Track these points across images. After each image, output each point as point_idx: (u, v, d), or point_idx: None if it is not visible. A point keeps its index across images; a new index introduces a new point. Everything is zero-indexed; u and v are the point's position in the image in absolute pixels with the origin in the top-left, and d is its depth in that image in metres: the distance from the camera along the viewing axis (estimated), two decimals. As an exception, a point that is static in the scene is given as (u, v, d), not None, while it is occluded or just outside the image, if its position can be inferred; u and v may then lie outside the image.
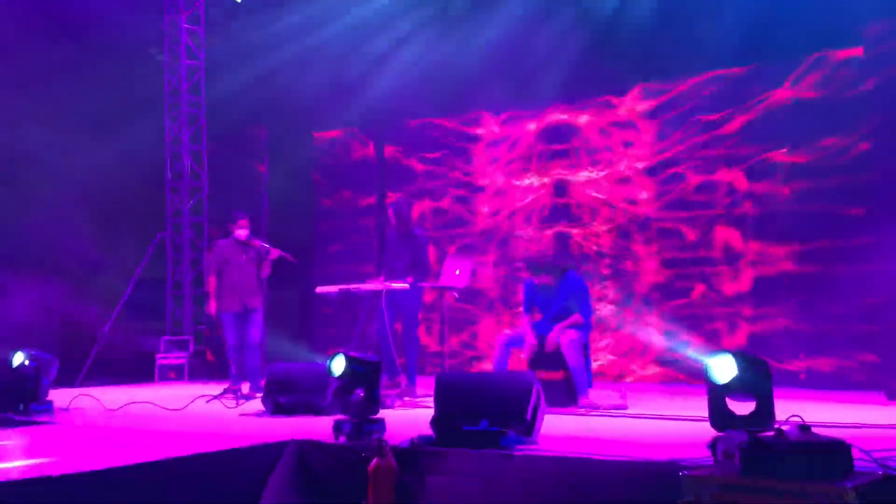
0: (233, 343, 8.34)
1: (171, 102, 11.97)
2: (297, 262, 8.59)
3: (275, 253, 8.42)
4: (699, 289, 8.97)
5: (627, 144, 9.39)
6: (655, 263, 9.24)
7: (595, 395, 6.84)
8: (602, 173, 9.60)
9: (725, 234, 8.84)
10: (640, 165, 9.41)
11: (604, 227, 9.60)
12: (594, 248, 9.54)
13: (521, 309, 7.43)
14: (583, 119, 9.73)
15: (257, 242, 8.58)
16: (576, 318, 6.89)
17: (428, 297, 10.16)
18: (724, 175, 8.83)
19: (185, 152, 11.87)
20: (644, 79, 9.24)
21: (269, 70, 10.79)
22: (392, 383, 7.74)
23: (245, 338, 8.31)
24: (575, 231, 9.74)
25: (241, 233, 8.55)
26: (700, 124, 9.01)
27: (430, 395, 6.54)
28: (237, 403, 7.38)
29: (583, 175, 9.63)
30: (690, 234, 9.09)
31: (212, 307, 8.49)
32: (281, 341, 10.66)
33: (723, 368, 4.20)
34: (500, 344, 6.99)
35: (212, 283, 8.55)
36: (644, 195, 9.41)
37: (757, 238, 8.70)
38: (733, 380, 4.17)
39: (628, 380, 9.20)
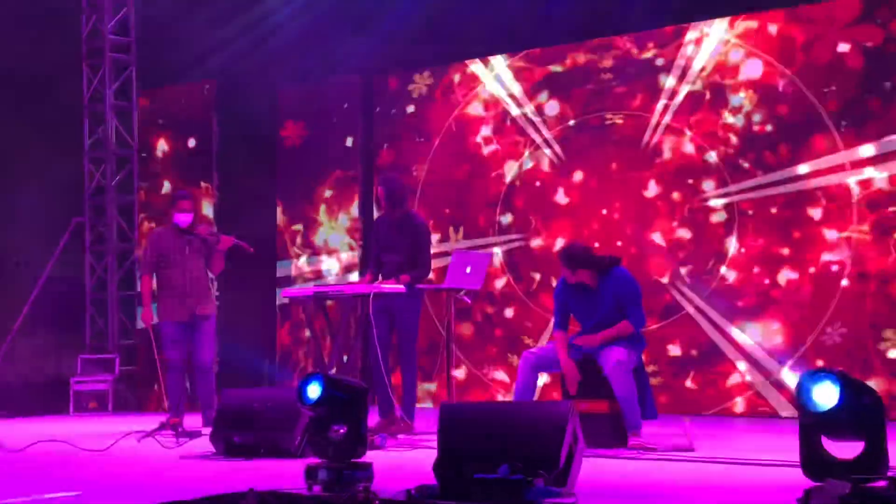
0: (175, 362, 8.47)
1: (91, 47, 12.02)
2: (255, 252, 8.68)
3: (226, 241, 8.52)
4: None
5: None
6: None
7: (651, 432, 6.91)
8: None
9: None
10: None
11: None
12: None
13: (551, 319, 7.55)
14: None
15: (204, 229, 8.66)
16: (623, 327, 6.93)
17: (431, 304, 10.20)
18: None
19: (109, 112, 11.92)
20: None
21: (220, 5, 10.90)
22: (384, 417, 7.80)
23: (194, 355, 8.44)
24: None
25: (184, 218, 8.63)
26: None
27: (432, 433, 6.50)
28: (178, 442, 7.42)
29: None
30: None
31: (147, 315, 8.56)
32: (236, 360, 10.75)
33: (822, 396, 4.22)
34: (524, 366, 7.05)
35: (146, 283, 8.63)
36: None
37: None
38: (835, 412, 4.17)
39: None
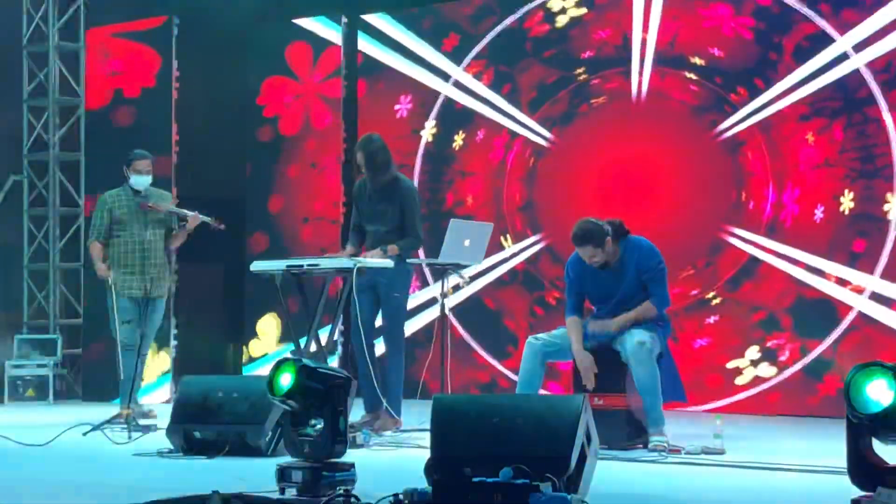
0: (129, 342, 8.51)
1: (32, -24, 11.96)
2: (225, 228, 8.77)
3: (194, 220, 8.61)
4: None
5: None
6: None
7: (676, 431, 6.95)
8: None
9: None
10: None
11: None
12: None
13: (563, 300, 7.60)
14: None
15: (161, 207, 8.72)
16: (645, 309, 6.95)
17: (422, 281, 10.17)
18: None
19: (52, 54, 11.87)
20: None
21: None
22: (368, 411, 7.81)
23: (143, 338, 8.54)
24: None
25: (141, 180, 8.67)
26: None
27: (423, 429, 6.81)
28: (130, 437, 7.41)
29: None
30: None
31: (102, 270, 8.61)
32: (196, 343, 10.75)
33: (875, 394, 4.22)
34: (529, 354, 7.06)
35: (96, 248, 8.72)
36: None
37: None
38: (889, 412, 4.17)
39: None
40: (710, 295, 9.66)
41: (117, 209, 8.69)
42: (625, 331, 6.89)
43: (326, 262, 7.57)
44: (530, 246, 10.50)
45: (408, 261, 7.81)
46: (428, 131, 10.97)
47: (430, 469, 4.95)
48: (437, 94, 10.97)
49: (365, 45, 11.31)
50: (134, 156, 8.74)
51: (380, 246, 7.71)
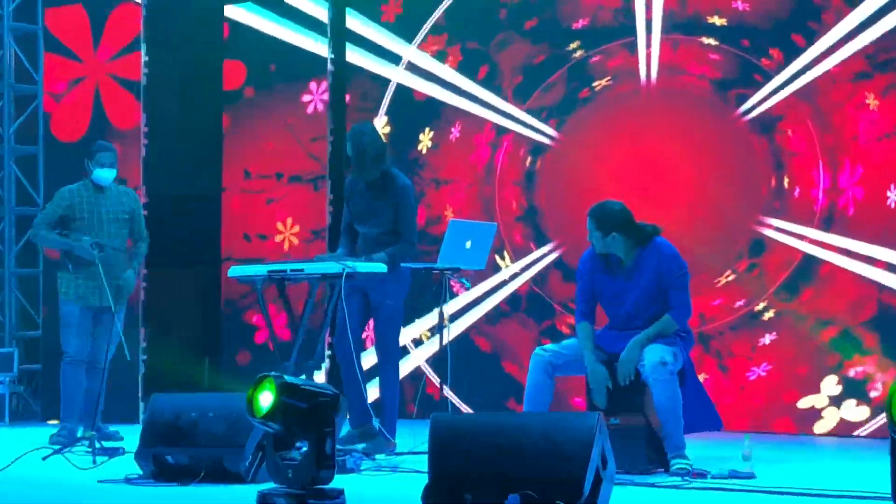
0: (80, 355, 8.63)
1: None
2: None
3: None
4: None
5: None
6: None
7: (700, 454, 6.96)
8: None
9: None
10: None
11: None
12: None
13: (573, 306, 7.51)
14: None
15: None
16: (666, 323, 6.98)
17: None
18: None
19: (6, 36, 11.86)
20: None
21: None
22: (358, 430, 7.82)
23: (99, 351, 8.65)
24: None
25: (105, 175, 8.70)
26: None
27: (419, 452, 6.97)
28: (94, 461, 7.37)
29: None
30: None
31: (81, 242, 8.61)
32: (168, 356, 10.72)
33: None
34: (536, 367, 7.08)
35: (45, 231, 8.77)
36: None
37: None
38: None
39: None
40: (761, 306, 9.09)
41: (77, 207, 8.70)
42: (644, 344, 6.90)
43: (312, 267, 7.55)
44: (535, 262, 10.00)
45: (403, 265, 7.82)
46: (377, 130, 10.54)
47: (428, 496, 4.98)
48: (384, 81, 10.46)
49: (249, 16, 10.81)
50: (97, 147, 8.76)
51: (371, 251, 7.75)
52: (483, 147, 10.25)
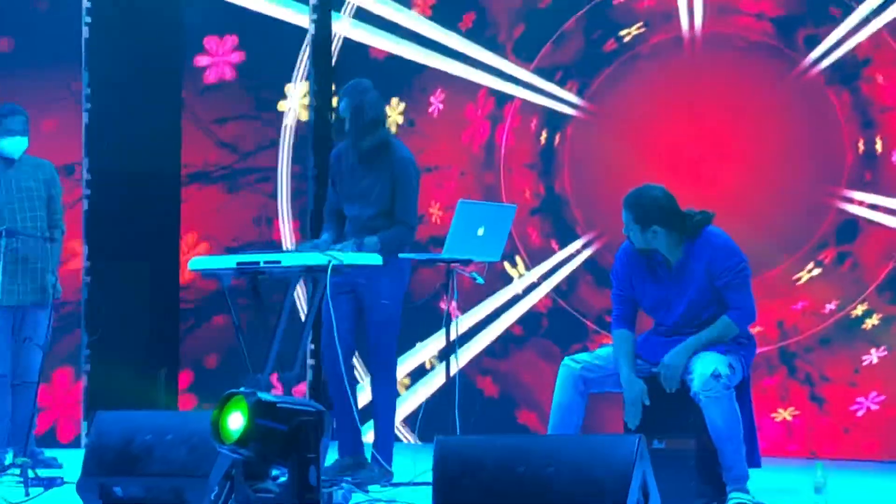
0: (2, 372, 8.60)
1: None
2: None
3: None
4: None
5: None
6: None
7: (761, 486, 6.84)
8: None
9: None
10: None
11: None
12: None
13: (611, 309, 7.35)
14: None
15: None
16: (723, 327, 6.78)
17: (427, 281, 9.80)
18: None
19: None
20: None
21: None
22: (344, 455, 7.76)
23: (22, 358, 8.55)
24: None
25: (14, 144, 8.58)
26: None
27: (421, 483, 6.88)
28: (27, 493, 7.32)
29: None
30: None
31: None
32: (115, 367, 10.63)
33: None
34: (566, 380, 6.94)
35: None
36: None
37: None
38: None
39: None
40: (860, 310, 8.57)
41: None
42: (690, 352, 6.74)
43: (291, 258, 7.46)
44: (559, 266, 9.48)
45: (401, 256, 7.70)
46: (295, 100, 9.98)
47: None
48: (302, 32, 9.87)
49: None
50: (4, 111, 8.61)
51: (362, 237, 7.60)
52: (479, 122, 9.81)
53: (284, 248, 9.97)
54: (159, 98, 11.31)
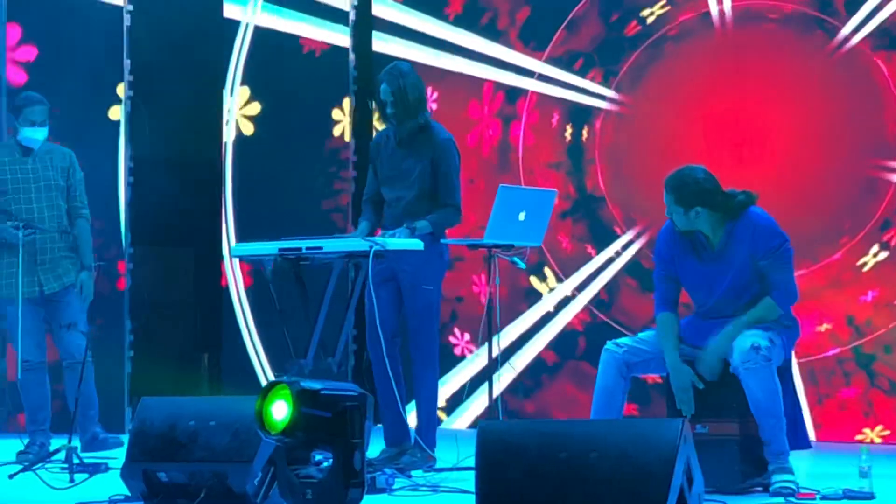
0: (31, 359, 8.60)
1: None
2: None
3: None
4: None
5: None
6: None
7: (808, 470, 6.99)
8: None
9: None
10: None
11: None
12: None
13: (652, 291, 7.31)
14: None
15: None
16: (766, 309, 6.79)
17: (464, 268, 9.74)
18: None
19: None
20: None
21: None
22: (391, 444, 7.77)
23: (63, 344, 8.59)
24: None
25: (34, 134, 8.57)
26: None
27: (465, 468, 6.87)
28: (72, 479, 7.25)
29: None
30: None
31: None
32: (159, 353, 10.66)
33: None
34: (609, 365, 6.95)
35: None
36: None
37: None
38: None
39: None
40: None
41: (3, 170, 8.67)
42: (734, 336, 6.72)
43: (332, 245, 7.47)
44: (598, 272, 9.09)
45: (442, 241, 7.70)
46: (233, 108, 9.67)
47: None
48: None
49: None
50: (24, 101, 8.62)
51: (406, 221, 7.58)
52: (487, 120, 9.55)
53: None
54: (200, 84, 11.38)
